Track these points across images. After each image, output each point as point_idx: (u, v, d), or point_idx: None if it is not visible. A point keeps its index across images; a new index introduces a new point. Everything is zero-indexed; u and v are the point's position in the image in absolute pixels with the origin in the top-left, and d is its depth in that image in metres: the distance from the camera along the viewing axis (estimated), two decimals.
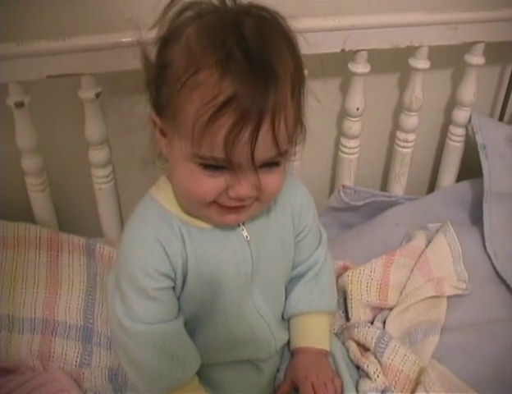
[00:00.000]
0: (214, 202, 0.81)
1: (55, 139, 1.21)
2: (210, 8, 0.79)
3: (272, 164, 0.79)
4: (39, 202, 1.19)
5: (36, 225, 1.19)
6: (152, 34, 0.81)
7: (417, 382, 0.98)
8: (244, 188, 0.78)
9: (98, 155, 1.15)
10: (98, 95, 1.09)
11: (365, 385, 0.98)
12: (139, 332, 0.85)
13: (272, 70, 0.73)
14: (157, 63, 0.81)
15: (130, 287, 0.85)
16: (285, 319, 1.02)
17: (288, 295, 1.01)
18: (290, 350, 1.01)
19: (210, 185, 0.78)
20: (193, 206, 0.84)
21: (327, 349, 1.00)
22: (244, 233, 0.88)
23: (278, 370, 1.01)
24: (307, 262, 1.00)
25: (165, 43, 0.80)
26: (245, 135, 0.72)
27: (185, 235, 0.85)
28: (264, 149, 0.75)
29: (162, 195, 0.87)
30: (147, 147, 0.87)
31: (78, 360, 1.08)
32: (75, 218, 1.30)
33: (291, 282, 1.01)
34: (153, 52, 0.82)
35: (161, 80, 0.79)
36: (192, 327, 0.91)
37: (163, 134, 0.82)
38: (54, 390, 0.98)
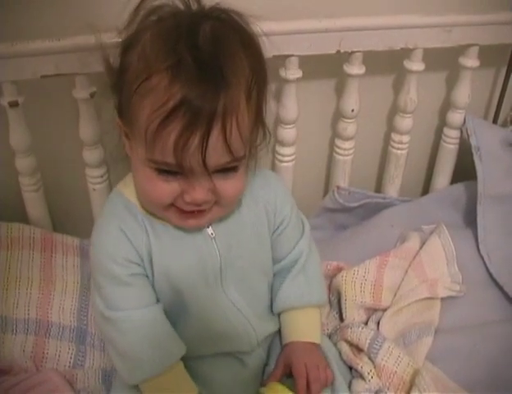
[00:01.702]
0: (173, 205, 0.82)
1: (49, 139, 1.20)
2: (171, 12, 0.80)
3: (228, 170, 0.80)
4: (33, 202, 1.19)
5: (30, 225, 1.18)
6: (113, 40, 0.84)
7: (411, 384, 0.98)
8: (198, 193, 0.79)
9: (92, 155, 1.15)
10: (92, 95, 1.08)
11: (358, 386, 0.99)
12: (119, 319, 0.86)
13: (222, 74, 0.74)
14: (118, 68, 0.83)
15: (104, 278, 0.87)
16: (275, 313, 1.01)
17: (277, 290, 1.01)
18: (281, 345, 1.01)
19: (165, 190, 0.80)
20: (153, 209, 0.86)
21: (318, 342, 1.00)
22: (209, 230, 0.89)
23: (267, 364, 1.01)
24: (290, 254, 1.00)
25: (125, 47, 0.81)
26: (195, 140, 0.73)
27: (149, 229, 0.87)
28: (216, 155, 0.76)
29: (128, 190, 0.89)
30: (115, 146, 0.89)
31: (71, 361, 1.07)
32: (69, 219, 1.29)
33: (279, 277, 1.01)
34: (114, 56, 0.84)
35: (120, 85, 0.81)
36: (171, 320, 0.91)
37: (127, 137, 0.84)
38: (47, 390, 0.98)
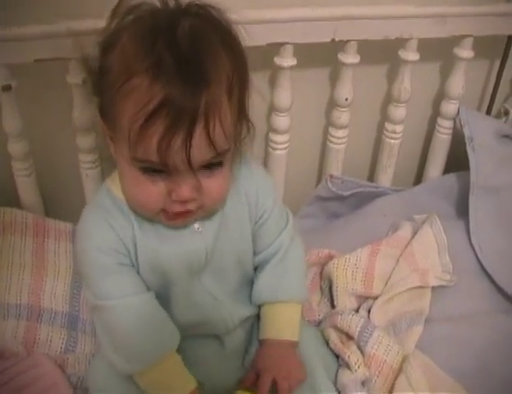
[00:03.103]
0: (162, 210, 0.82)
1: (42, 123, 1.19)
2: (148, 11, 0.79)
3: (213, 165, 0.80)
4: (25, 187, 1.18)
5: (22, 210, 1.18)
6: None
7: (399, 371, 0.99)
8: (183, 190, 0.78)
9: (85, 140, 1.14)
10: (85, 81, 1.07)
11: (345, 375, 0.99)
12: (111, 308, 0.86)
13: (202, 72, 0.74)
14: (98, 70, 0.82)
15: (92, 269, 0.87)
16: (253, 305, 1.01)
17: (254, 282, 1.00)
18: (258, 340, 1.01)
19: (152, 192, 0.79)
20: (142, 213, 0.86)
21: (294, 339, 0.99)
22: (196, 225, 0.89)
23: (247, 352, 1.02)
24: (270, 247, 0.99)
25: (104, 49, 0.81)
26: (178, 139, 0.73)
27: (135, 222, 0.87)
28: (200, 152, 0.76)
29: (115, 186, 0.88)
30: (103, 146, 0.90)
31: (63, 347, 1.07)
32: (62, 204, 1.29)
33: (259, 268, 1.01)
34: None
35: (101, 87, 0.81)
36: None
37: (111, 139, 0.83)
38: (38, 375, 0.98)
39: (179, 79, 0.72)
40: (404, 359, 1.00)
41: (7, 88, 1.05)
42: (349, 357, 1.00)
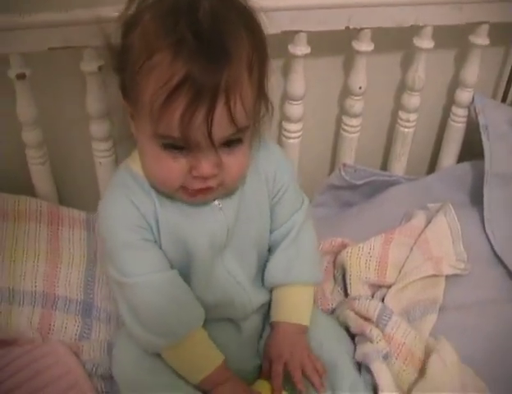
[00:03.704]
0: (181, 187, 0.83)
1: (56, 112, 1.20)
2: None
3: (233, 142, 0.81)
4: (40, 175, 1.19)
5: (37, 198, 1.18)
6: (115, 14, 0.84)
7: (419, 357, 0.99)
8: (204, 166, 0.80)
9: (99, 129, 1.15)
10: (100, 68, 1.08)
11: (366, 347, 0.99)
12: (140, 283, 0.87)
13: (224, 49, 0.75)
14: (120, 48, 0.83)
15: (117, 245, 0.88)
16: (266, 288, 1.02)
17: (267, 265, 1.01)
18: (269, 323, 1.01)
19: (173, 168, 0.81)
20: (162, 190, 0.87)
21: (305, 324, 0.99)
22: (216, 202, 0.90)
23: (261, 337, 1.02)
24: (283, 227, 1.00)
25: (126, 28, 0.82)
26: (200, 114, 0.74)
27: (156, 200, 0.88)
28: (221, 127, 0.77)
29: (136, 164, 0.90)
30: (121, 125, 0.91)
31: (77, 334, 1.08)
32: (76, 192, 1.30)
33: (270, 251, 1.02)
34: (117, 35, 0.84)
35: (123, 65, 0.82)
36: None
37: (132, 117, 0.85)
38: (53, 361, 0.99)
39: (201, 55, 0.73)
40: (437, 341, 1.00)
41: (22, 76, 1.06)
42: (370, 331, 1.00)
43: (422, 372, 0.98)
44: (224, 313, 0.97)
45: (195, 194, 0.84)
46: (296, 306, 1.01)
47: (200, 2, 0.76)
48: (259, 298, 0.99)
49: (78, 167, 1.29)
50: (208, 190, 0.84)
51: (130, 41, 0.80)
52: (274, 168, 0.97)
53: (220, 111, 0.75)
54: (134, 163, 0.91)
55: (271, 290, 1.02)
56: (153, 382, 0.92)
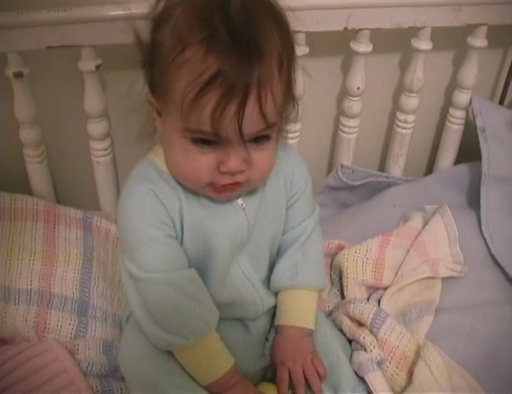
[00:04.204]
0: (209, 184, 0.83)
1: (54, 110, 1.20)
2: None
3: (261, 138, 0.82)
4: (37, 173, 1.19)
5: (33, 197, 1.18)
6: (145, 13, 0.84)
7: (412, 360, 0.99)
8: (233, 161, 0.80)
9: (96, 128, 1.15)
10: (98, 67, 1.08)
11: (360, 356, 0.99)
12: (159, 280, 0.87)
13: (256, 45, 0.75)
14: (150, 44, 0.84)
15: (139, 240, 0.87)
16: (272, 291, 1.02)
17: (274, 267, 1.01)
18: (274, 326, 1.02)
19: (202, 162, 0.81)
20: (190, 186, 0.87)
21: (310, 327, 1.00)
22: (239, 201, 0.91)
23: (267, 339, 1.02)
24: (294, 230, 1.01)
25: (156, 24, 0.83)
26: (231, 109, 0.74)
27: (182, 195, 0.88)
28: (251, 123, 0.77)
29: (159, 159, 0.90)
30: (143, 123, 0.90)
31: (73, 332, 1.08)
32: (73, 191, 1.30)
33: (279, 254, 1.02)
34: (145, 33, 0.84)
35: (153, 60, 0.82)
36: None
37: (159, 113, 0.85)
38: (48, 360, 0.99)
39: (233, 50, 0.74)
40: (423, 347, 1.00)
41: (19, 75, 1.06)
42: (364, 338, 1.00)
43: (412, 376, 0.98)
44: (236, 313, 0.98)
45: (222, 190, 0.85)
46: (301, 310, 1.01)
47: None
48: (270, 300, 1.00)
49: (75, 166, 1.29)
50: (235, 185, 0.84)
51: (160, 36, 0.81)
52: (292, 170, 0.98)
53: (251, 106, 0.75)
54: (156, 158, 0.90)
55: (276, 294, 1.02)
56: (162, 381, 0.91)
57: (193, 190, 0.87)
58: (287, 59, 0.82)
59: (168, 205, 0.87)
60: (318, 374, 0.95)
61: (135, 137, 1.05)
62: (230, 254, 0.92)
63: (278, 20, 0.82)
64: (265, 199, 0.94)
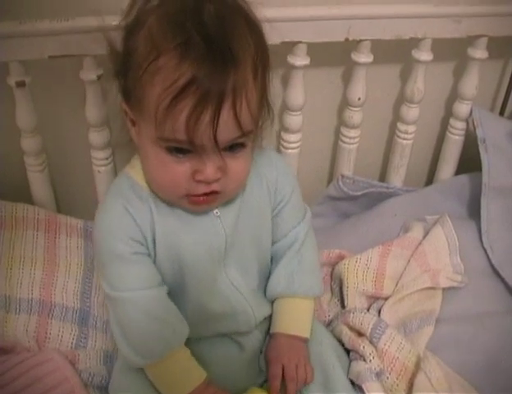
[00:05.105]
0: (185, 195, 0.83)
1: (55, 119, 1.20)
2: None
3: (236, 146, 0.81)
4: (38, 182, 1.19)
5: (34, 206, 1.18)
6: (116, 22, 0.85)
7: (413, 371, 0.99)
8: (209, 168, 0.79)
9: (98, 137, 1.15)
10: (99, 77, 1.08)
11: (359, 366, 0.99)
12: (125, 299, 0.87)
13: (230, 52, 0.75)
14: (123, 51, 0.84)
15: (107, 256, 0.88)
16: (268, 300, 1.02)
17: (270, 276, 1.01)
18: (269, 334, 1.01)
19: (177, 171, 0.80)
20: (166, 197, 0.87)
21: (305, 336, 0.99)
22: (215, 210, 0.90)
23: (261, 352, 1.01)
24: (286, 238, 1.00)
25: (130, 31, 0.82)
26: (206, 116, 0.74)
27: (153, 208, 0.88)
28: (227, 130, 0.77)
29: (135, 170, 0.90)
30: (119, 132, 0.90)
31: (74, 342, 1.08)
32: (74, 200, 1.30)
33: (273, 263, 1.01)
34: (118, 41, 0.85)
35: (126, 68, 0.82)
36: None
37: (133, 123, 0.85)
38: (49, 370, 0.99)
39: (207, 57, 0.73)
40: (423, 358, 0.99)
41: (21, 84, 1.06)
42: (363, 348, 1.00)
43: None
44: (228, 326, 0.97)
45: (200, 202, 0.84)
46: (297, 318, 1.01)
47: (205, 5, 0.77)
48: (262, 310, 0.99)
49: (76, 175, 1.29)
50: (212, 194, 0.83)
51: (133, 43, 0.80)
52: (275, 176, 0.97)
53: (226, 113, 0.75)
54: (132, 170, 0.90)
55: (272, 303, 1.02)
56: None
57: (169, 201, 0.87)
58: (262, 66, 0.81)
59: (139, 220, 0.87)
60: (305, 380, 0.94)
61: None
62: (209, 265, 0.91)
63: (253, 27, 0.82)
64: (246, 205, 0.93)
